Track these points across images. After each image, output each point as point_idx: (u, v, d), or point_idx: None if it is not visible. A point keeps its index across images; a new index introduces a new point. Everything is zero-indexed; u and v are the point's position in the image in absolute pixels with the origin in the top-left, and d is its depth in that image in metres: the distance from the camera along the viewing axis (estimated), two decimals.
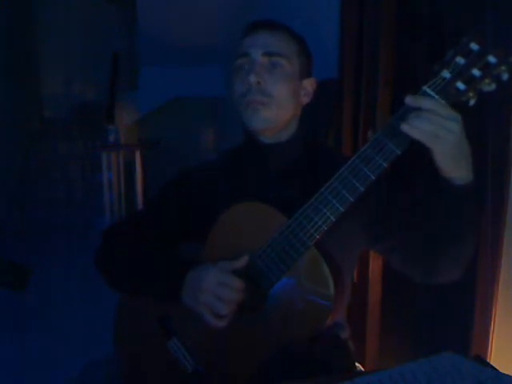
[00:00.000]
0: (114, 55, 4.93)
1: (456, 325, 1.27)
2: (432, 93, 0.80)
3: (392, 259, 1.04)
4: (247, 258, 0.93)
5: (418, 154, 0.82)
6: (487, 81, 0.78)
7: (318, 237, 0.89)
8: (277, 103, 1.03)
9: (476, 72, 0.77)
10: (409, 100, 0.80)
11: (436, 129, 0.78)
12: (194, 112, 4.53)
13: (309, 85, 1.10)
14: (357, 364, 1.20)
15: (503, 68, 0.76)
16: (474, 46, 0.77)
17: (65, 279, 3.29)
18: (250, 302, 0.94)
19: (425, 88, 0.80)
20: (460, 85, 0.79)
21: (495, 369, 0.85)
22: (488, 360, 1.13)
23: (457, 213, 0.88)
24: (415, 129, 0.79)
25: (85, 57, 6.10)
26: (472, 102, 0.80)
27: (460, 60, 0.78)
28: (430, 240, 0.93)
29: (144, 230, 1.13)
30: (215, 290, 0.92)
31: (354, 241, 1.07)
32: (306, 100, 1.10)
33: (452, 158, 0.82)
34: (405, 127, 0.79)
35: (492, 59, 0.76)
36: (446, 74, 0.79)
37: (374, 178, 0.84)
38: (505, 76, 0.77)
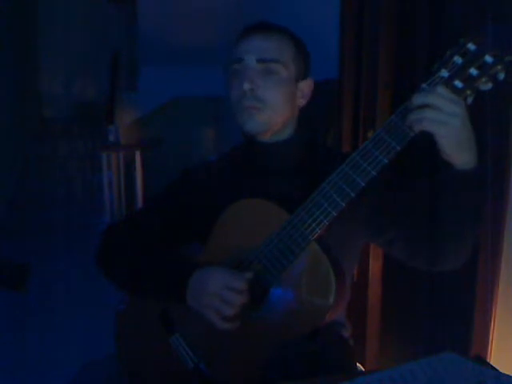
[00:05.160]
0: (114, 55, 4.94)
1: (456, 325, 1.27)
2: None
3: (393, 250, 1.04)
4: (252, 274, 0.94)
5: (419, 141, 0.83)
6: (484, 80, 0.79)
7: (319, 231, 0.89)
8: (271, 108, 1.04)
9: (473, 71, 0.79)
10: (415, 100, 0.81)
11: (438, 115, 0.79)
12: (194, 112, 4.53)
13: (306, 86, 1.10)
14: (357, 364, 1.20)
15: (499, 67, 0.78)
16: (471, 46, 0.79)
17: (64, 279, 3.28)
18: (251, 297, 0.94)
19: (423, 86, 0.82)
20: (458, 83, 0.80)
21: (495, 369, 0.85)
22: (488, 360, 1.13)
23: (459, 198, 0.88)
24: (419, 122, 0.80)
25: (85, 57, 6.10)
26: (469, 100, 0.82)
27: (458, 59, 0.80)
28: (432, 226, 0.93)
29: (145, 230, 1.13)
30: (221, 294, 0.92)
31: (356, 235, 1.07)
32: (302, 102, 1.11)
33: (457, 142, 0.82)
34: (409, 122, 0.81)
35: (488, 59, 0.78)
36: (444, 72, 0.81)
37: (374, 173, 0.85)
38: (501, 75, 0.79)
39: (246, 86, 1.01)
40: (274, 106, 1.04)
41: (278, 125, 1.06)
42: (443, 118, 0.79)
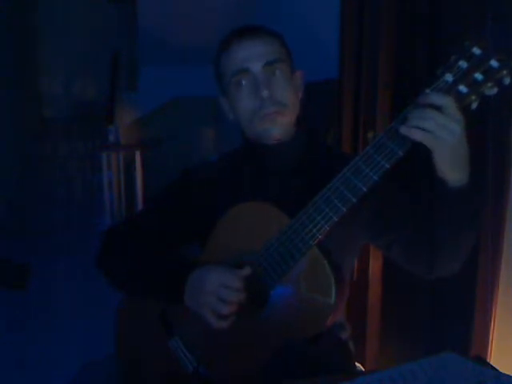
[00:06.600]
0: (114, 55, 4.93)
1: (456, 325, 1.27)
2: None
3: (392, 254, 1.04)
4: (250, 269, 0.94)
5: (419, 152, 0.83)
6: (489, 84, 0.78)
7: (320, 237, 0.89)
8: (289, 108, 1.03)
9: (478, 76, 0.78)
10: (422, 98, 0.80)
11: (438, 130, 0.78)
12: (194, 112, 4.53)
13: (299, 78, 1.10)
14: (357, 364, 1.20)
15: (505, 72, 0.77)
16: (476, 51, 0.78)
17: (65, 279, 3.29)
18: (251, 301, 0.94)
19: (427, 91, 0.80)
20: (463, 88, 0.79)
21: (495, 369, 0.85)
22: (488, 360, 1.13)
23: (453, 211, 0.89)
24: (417, 131, 0.79)
25: (85, 57, 6.10)
26: (474, 106, 0.81)
27: (463, 64, 0.79)
28: (429, 235, 0.94)
29: (145, 231, 1.13)
30: (216, 291, 0.92)
31: (356, 237, 1.07)
32: (300, 94, 1.10)
33: (449, 160, 0.82)
34: (406, 130, 0.80)
35: (494, 63, 0.77)
36: (448, 77, 0.80)
37: (376, 178, 0.85)
38: (507, 80, 0.77)
39: (265, 93, 0.99)
40: (291, 104, 1.04)
41: (292, 123, 1.06)
42: (441, 134, 0.78)
